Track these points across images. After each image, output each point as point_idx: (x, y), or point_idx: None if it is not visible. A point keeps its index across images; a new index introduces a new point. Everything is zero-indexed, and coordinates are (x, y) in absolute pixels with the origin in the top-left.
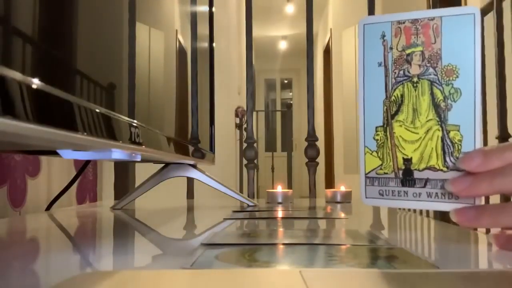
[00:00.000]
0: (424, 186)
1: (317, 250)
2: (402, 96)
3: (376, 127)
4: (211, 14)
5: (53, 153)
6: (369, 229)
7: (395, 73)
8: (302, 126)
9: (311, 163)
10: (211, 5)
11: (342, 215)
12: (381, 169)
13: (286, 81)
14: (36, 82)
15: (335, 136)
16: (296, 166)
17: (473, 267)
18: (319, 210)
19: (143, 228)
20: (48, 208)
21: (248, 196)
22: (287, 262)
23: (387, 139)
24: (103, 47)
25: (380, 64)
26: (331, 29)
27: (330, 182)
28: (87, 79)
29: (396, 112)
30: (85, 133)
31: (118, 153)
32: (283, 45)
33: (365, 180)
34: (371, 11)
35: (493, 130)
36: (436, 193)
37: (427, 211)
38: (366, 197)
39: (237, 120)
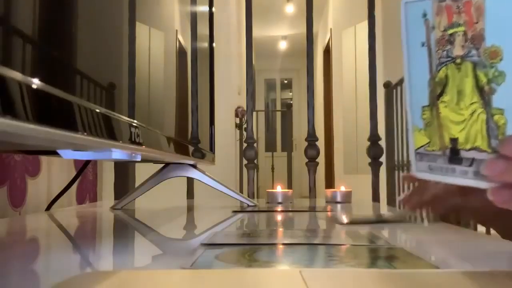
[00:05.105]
0: (471, 165)
1: (317, 250)
2: (446, 77)
3: (423, 107)
4: (211, 14)
5: (53, 153)
6: (369, 229)
7: (438, 53)
8: (302, 126)
9: (311, 163)
10: (211, 5)
11: None
12: (429, 146)
13: (286, 81)
14: (36, 82)
15: (335, 136)
16: (296, 166)
17: (473, 267)
18: (319, 210)
19: (143, 228)
20: (48, 208)
21: (248, 196)
22: (287, 262)
23: (433, 118)
24: (103, 47)
25: (423, 44)
26: (331, 29)
27: (330, 182)
28: (87, 79)
29: (441, 93)
30: (85, 133)
31: (118, 153)
32: (283, 45)
33: (415, 155)
34: (371, 11)
35: None
36: None
37: (428, 214)
38: (417, 171)
39: (237, 120)
